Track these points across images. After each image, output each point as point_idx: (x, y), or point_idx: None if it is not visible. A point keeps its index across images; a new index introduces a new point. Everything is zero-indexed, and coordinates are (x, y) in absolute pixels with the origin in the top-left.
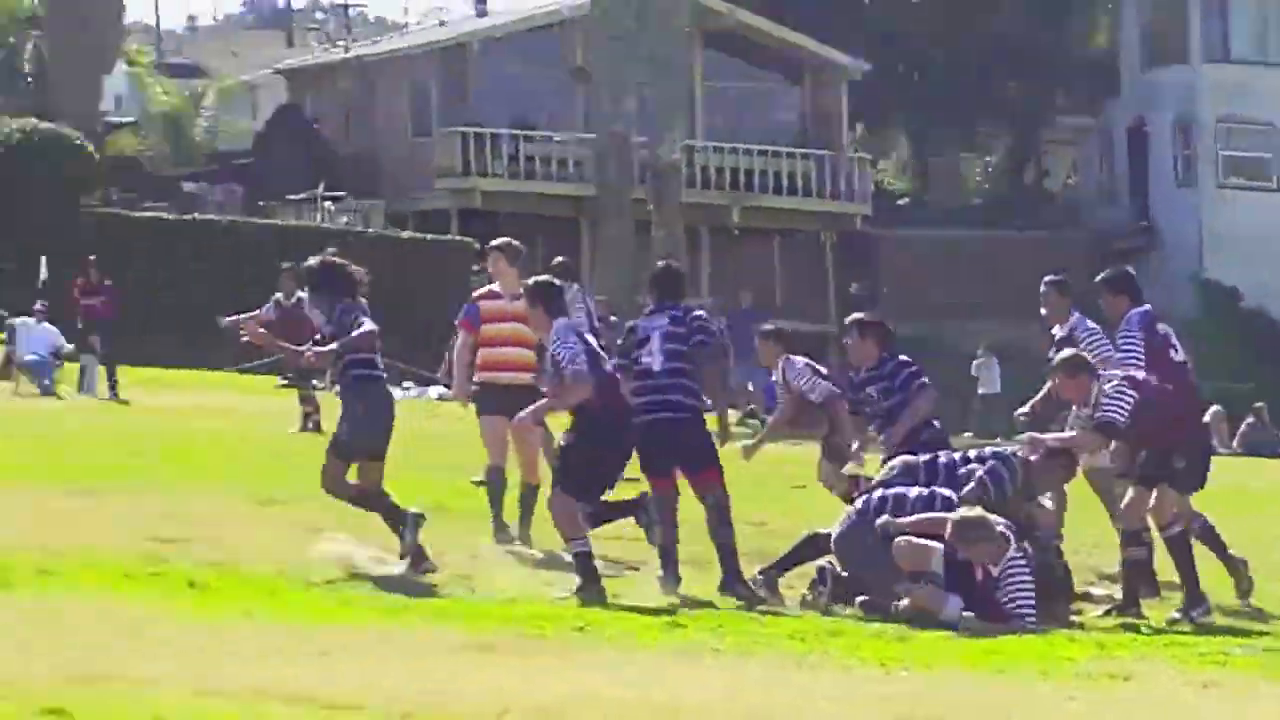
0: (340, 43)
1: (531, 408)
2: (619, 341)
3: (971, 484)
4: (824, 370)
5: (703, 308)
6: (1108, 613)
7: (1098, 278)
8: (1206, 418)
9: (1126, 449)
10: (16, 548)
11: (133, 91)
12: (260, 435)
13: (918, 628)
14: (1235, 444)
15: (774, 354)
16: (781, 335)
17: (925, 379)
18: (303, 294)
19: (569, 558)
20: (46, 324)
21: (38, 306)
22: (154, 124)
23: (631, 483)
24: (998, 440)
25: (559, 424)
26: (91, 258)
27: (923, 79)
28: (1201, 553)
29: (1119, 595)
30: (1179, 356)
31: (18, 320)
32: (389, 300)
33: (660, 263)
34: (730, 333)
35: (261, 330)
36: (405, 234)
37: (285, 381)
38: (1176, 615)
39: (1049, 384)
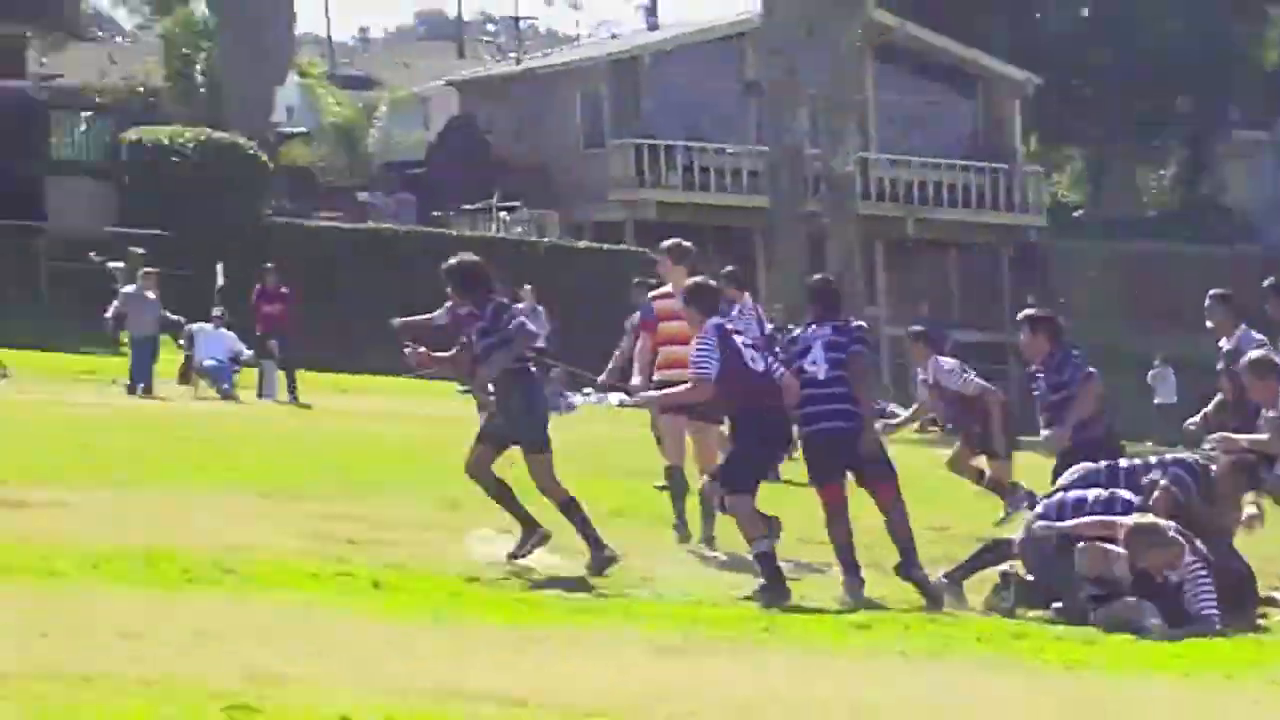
0: (511, 55)
1: (652, 394)
2: (780, 350)
3: (1156, 493)
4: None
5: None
6: None
7: (1266, 282)
8: None
9: None
10: (201, 548)
11: (305, 102)
12: (442, 440)
13: (1104, 632)
14: None
15: (923, 353)
16: (930, 336)
17: (1092, 370)
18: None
19: (752, 558)
20: (224, 329)
21: (215, 312)
22: (327, 134)
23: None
24: (1178, 448)
25: None
26: (269, 265)
27: (1096, 92)
28: None
29: None
30: None
31: (196, 326)
32: (564, 309)
33: (816, 276)
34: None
35: (422, 351)
36: (581, 244)
37: (466, 389)
38: None
39: (1219, 394)
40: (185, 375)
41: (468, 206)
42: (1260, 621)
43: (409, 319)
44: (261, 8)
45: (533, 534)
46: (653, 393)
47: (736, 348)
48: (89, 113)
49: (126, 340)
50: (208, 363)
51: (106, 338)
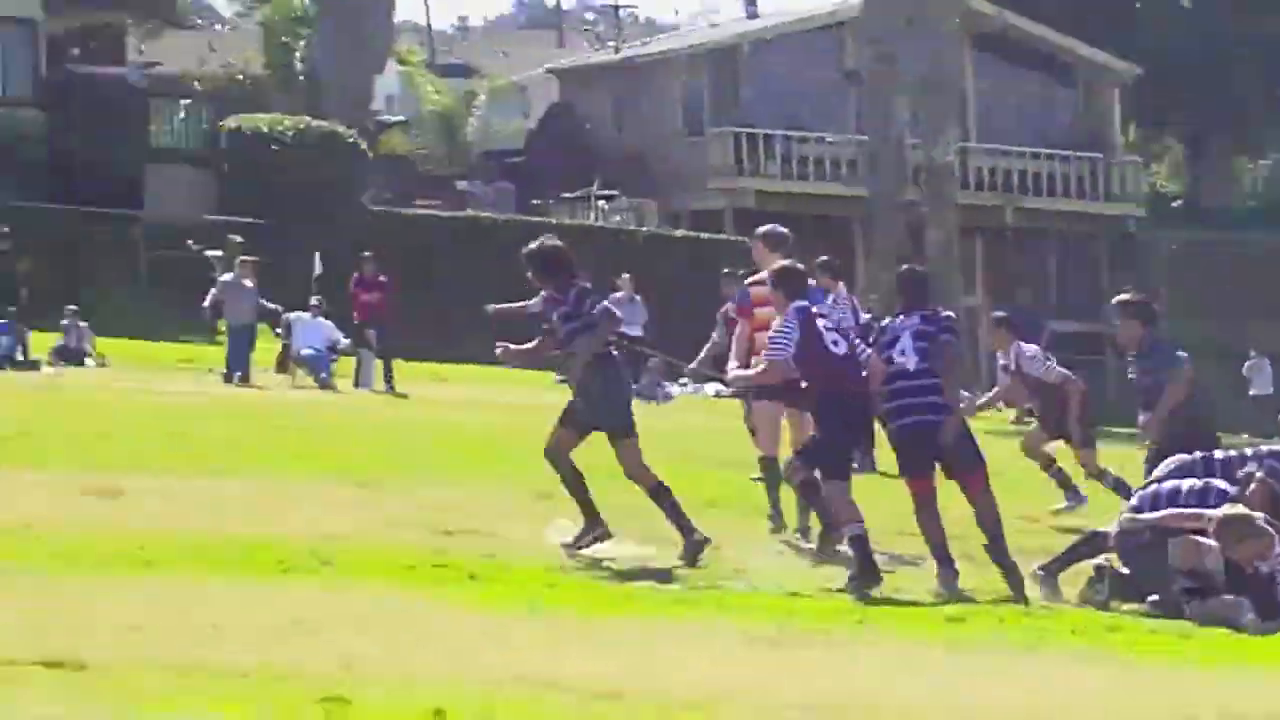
0: (610, 43)
1: (739, 373)
2: (872, 340)
3: (1253, 485)
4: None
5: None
6: None
7: None
8: None
9: None
10: (298, 538)
11: (404, 91)
12: (537, 429)
13: (1199, 626)
14: None
15: (1005, 340)
16: (1012, 322)
17: (1183, 354)
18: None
19: (846, 549)
20: (322, 318)
21: (313, 301)
22: (426, 123)
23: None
24: (1274, 440)
25: None
26: (367, 254)
27: (1196, 81)
28: None
29: None
30: None
31: (294, 315)
32: (661, 298)
33: (905, 266)
34: None
35: (507, 348)
36: (679, 233)
37: (563, 378)
38: None
39: None
40: (283, 364)
41: (566, 195)
42: None
43: (503, 306)
44: None
45: (595, 528)
46: (738, 371)
47: (818, 331)
48: (188, 100)
49: (224, 329)
50: (305, 352)
51: (205, 326)
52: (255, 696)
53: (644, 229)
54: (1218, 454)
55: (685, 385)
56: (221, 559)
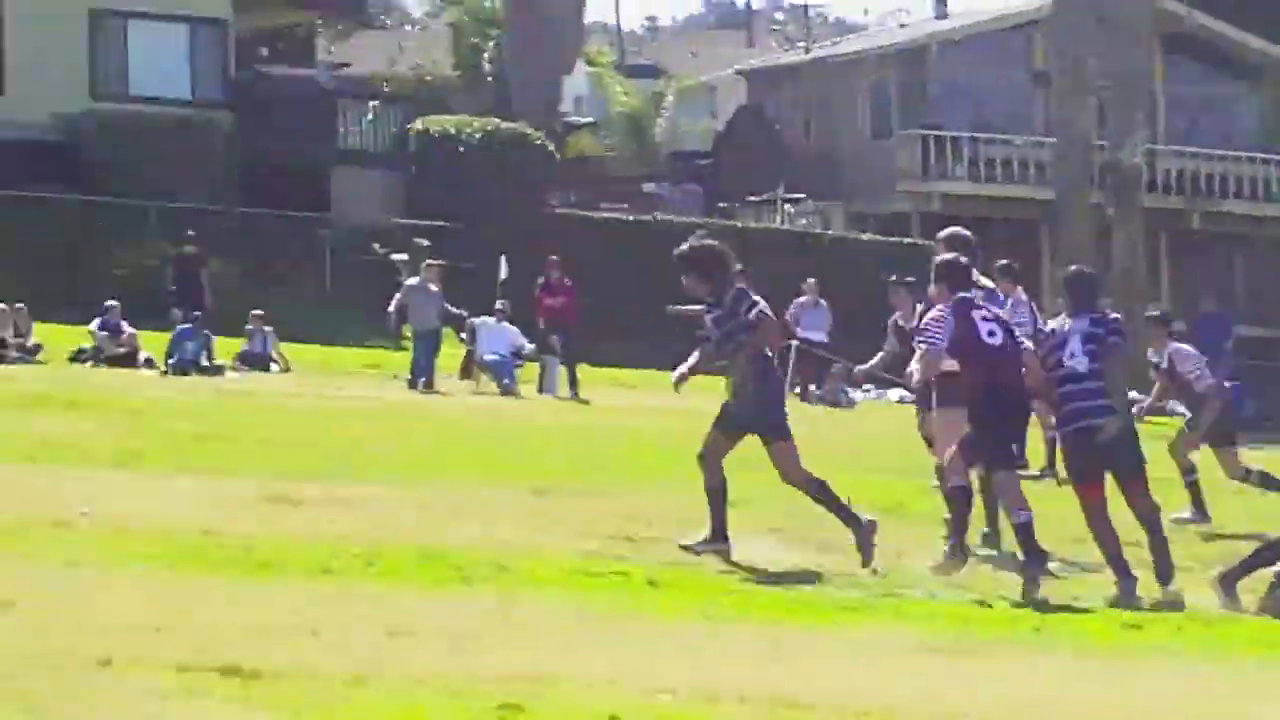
0: (800, 44)
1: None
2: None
3: None
4: None
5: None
6: None
7: None
8: None
9: None
10: (477, 545)
11: (593, 92)
12: None
13: None
14: None
15: (1161, 339)
16: (1170, 322)
17: None
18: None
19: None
20: (507, 323)
21: (498, 306)
22: (614, 124)
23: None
24: None
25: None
26: (554, 258)
27: None
28: None
29: None
30: None
31: (479, 320)
32: (845, 302)
33: (1072, 268)
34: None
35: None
36: (865, 236)
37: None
38: None
39: None
40: (466, 370)
41: (753, 198)
42: None
43: (684, 307)
44: None
45: (717, 542)
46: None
47: (972, 320)
48: (376, 102)
49: (409, 334)
50: (489, 357)
51: (389, 331)
52: (431, 705)
53: (830, 232)
54: None
55: (869, 391)
56: (398, 567)
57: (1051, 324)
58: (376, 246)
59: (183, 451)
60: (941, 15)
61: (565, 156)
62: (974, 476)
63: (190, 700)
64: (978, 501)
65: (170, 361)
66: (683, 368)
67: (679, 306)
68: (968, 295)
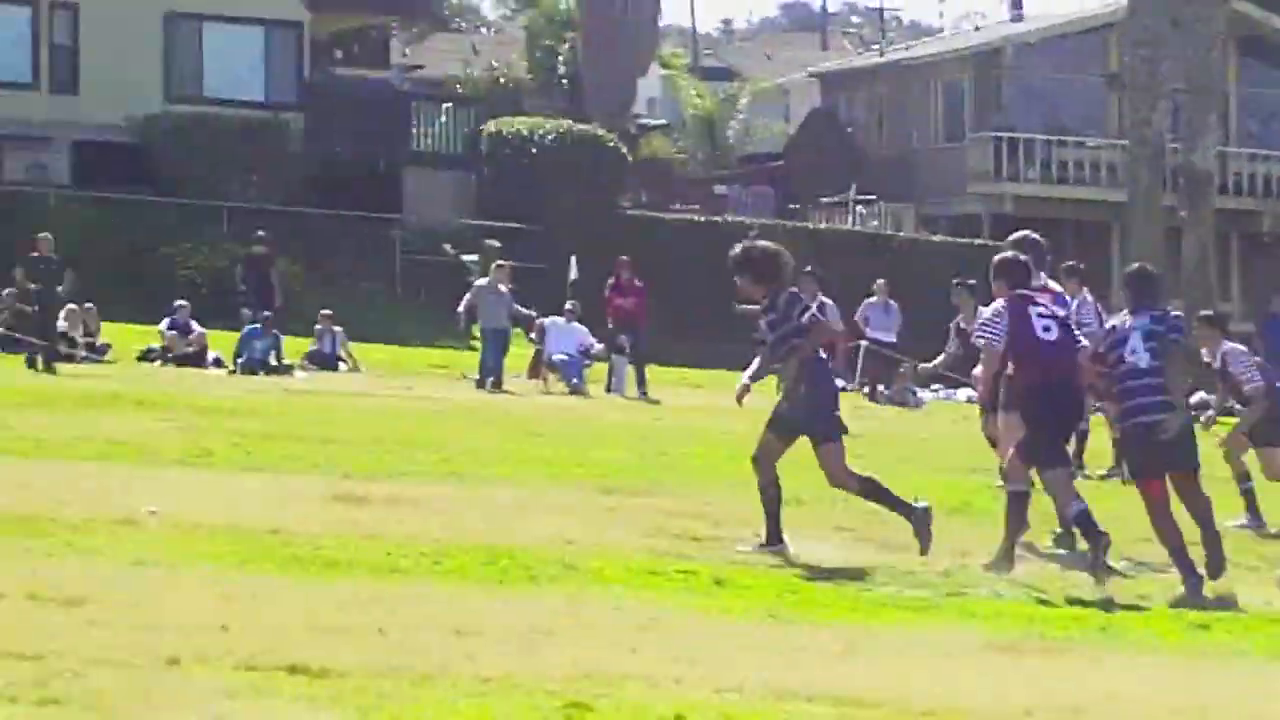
0: (874, 46)
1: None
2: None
3: None
4: None
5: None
6: None
7: None
8: None
9: None
10: (544, 544)
11: (667, 94)
12: None
13: None
14: None
15: (1212, 339)
16: (1222, 321)
17: None
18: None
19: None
20: (576, 323)
21: (568, 306)
22: (687, 127)
23: None
24: None
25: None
26: (624, 258)
27: None
28: None
29: None
30: None
31: (548, 320)
32: (915, 303)
33: (1134, 265)
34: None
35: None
36: (936, 238)
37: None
38: None
39: None
40: (535, 369)
41: (824, 199)
42: None
43: (750, 307)
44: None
45: (775, 547)
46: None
47: (1028, 316)
48: (449, 104)
49: (477, 334)
50: (557, 357)
51: (459, 331)
52: (498, 704)
53: (901, 234)
54: None
55: (937, 390)
56: (465, 566)
57: (1112, 321)
58: (447, 247)
59: (251, 451)
60: (1017, 18)
61: (637, 158)
62: (1034, 478)
63: (257, 699)
64: (1049, 502)
65: (239, 361)
66: (744, 378)
67: (745, 306)
68: (1025, 292)
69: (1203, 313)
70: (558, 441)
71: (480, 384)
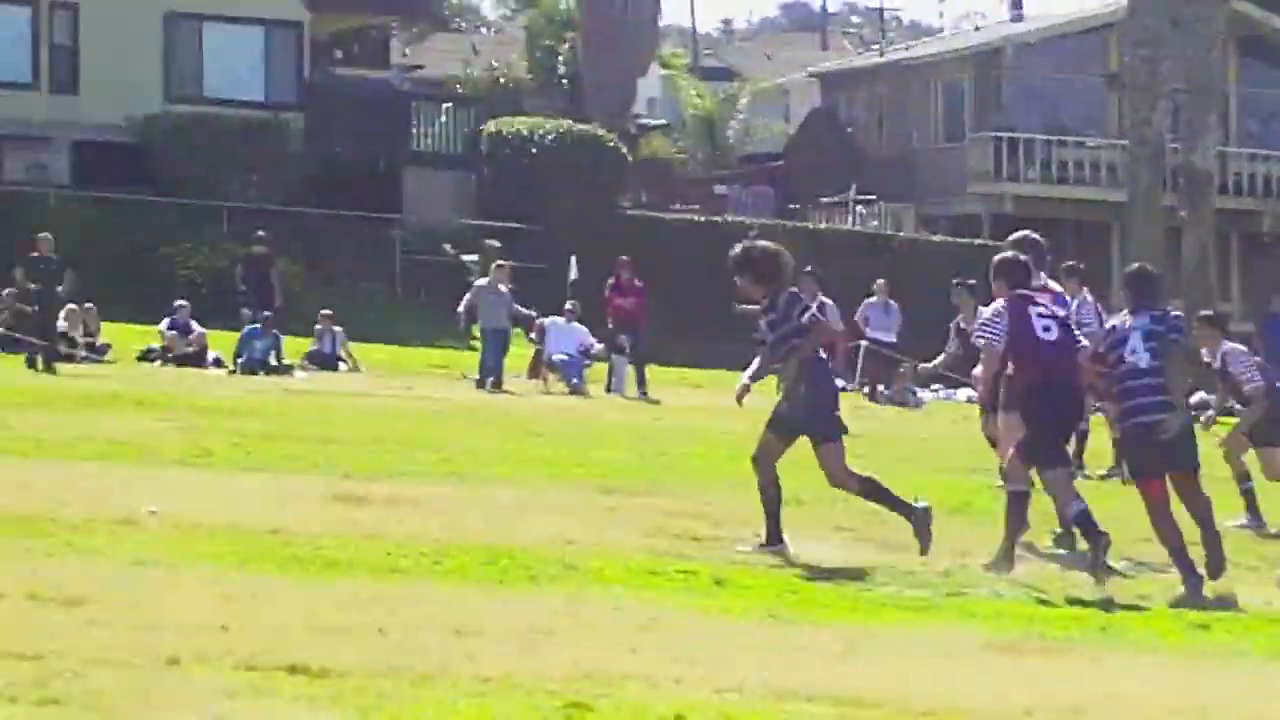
0: (874, 46)
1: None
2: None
3: None
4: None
5: None
6: None
7: None
8: None
9: None
10: (544, 544)
11: (667, 94)
12: None
13: None
14: None
15: (1212, 339)
16: (1222, 321)
17: None
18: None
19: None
20: (576, 323)
21: (568, 306)
22: (687, 127)
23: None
24: None
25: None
26: (624, 258)
27: None
28: None
29: None
30: None
31: (548, 320)
32: (916, 303)
33: (1134, 265)
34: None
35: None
36: (936, 238)
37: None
38: None
39: None
40: (535, 369)
41: (824, 199)
42: None
43: (749, 307)
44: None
45: (775, 547)
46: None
47: (1028, 316)
48: (449, 104)
49: (477, 334)
50: (557, 357)
51: (459, 331)
52: (498, 704)
53: (901, 234)
54: None
55: (937, 390)
56: (465, 566)
57: (1112, 321)
58: (447, 247)
59: (251, 451)
60: (1017, 18)
61: (637, 158)
62: (1034, 478)
63: (257, 699)
64: (1049, 502)
65: (239, 361)
66: (744, 378)
67: (745, 306)
68: (1025, 292)
69: (1203, 313)
70: (558, 441)
71: (480, 384)
